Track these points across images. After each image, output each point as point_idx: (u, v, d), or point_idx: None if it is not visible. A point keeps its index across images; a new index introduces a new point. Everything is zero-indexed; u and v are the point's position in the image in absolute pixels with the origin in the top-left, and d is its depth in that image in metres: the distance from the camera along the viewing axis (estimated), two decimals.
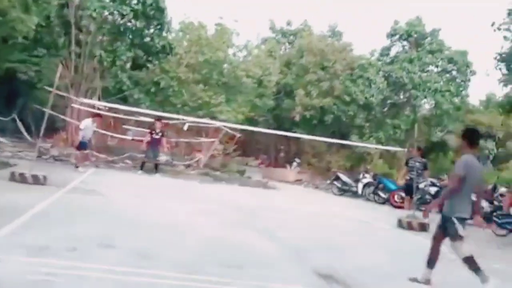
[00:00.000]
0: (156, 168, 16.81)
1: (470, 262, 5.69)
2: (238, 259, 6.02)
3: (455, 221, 5.74)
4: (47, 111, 11.65)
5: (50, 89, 14.61)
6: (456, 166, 5.89)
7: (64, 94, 19.24)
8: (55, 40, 19.42)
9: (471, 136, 6.00)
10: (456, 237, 5.76)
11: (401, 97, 27.95)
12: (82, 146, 14.79)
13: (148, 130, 17.61)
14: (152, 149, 16.81)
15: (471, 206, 5.88)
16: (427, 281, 5.89)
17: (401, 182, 16.64)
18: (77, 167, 14.49)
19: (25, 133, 18.56)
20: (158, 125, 17.03)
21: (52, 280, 4.20)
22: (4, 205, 7.29)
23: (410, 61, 26.66)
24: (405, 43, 28.39)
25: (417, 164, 13.63)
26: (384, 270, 6.53)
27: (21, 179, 10.10)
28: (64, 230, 6.18)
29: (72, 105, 19.40)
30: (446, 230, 5.93)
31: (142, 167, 16.84)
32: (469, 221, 12.92)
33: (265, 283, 5.07)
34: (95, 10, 18.38)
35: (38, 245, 5.27)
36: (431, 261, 5.95)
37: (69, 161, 16.59)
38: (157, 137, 16.81)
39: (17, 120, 18.35)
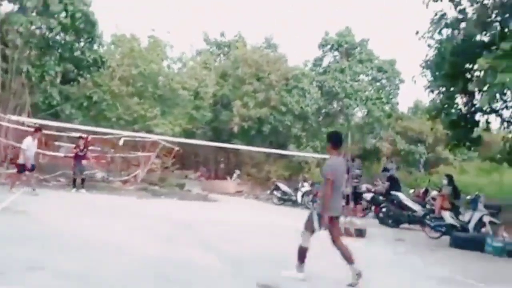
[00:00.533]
0: (82, 183, 16.49)
1: (301, 252, 6.21)
2: (178, 276, 5.90)
3: (316, 216, 6.11)
4: None
5: None
6: (326, 169, 6.19)
7: None
8: None
9: (334, 139, 6.39)
10: (310, 227, 6.21)
11: (335, 106, 28.75)
12: (31, 168, 14.06)
13: (73, 146, 17.52)
14: (78, 165, 16.62)
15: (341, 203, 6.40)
16: (359, 275, 6.03)
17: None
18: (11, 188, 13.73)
19: None
20: (81, 141, 16.88)
21: None
22: None
23: (342, 71, 27.49)
24: (336, 53, 29.27)
25: (357, 171, 13.88)
26: (326, 278, 6.60)
27: None
28: None
29: (0, 122, 18.48)
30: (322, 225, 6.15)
31: (74, 184, 16.42)
32: (405, 225, 13.13)
33: None
34: (21, 24, 17.63)
35: None
36: (347, 258, 6.13)
37: None
38: (81, 153, 16.70)
39: None
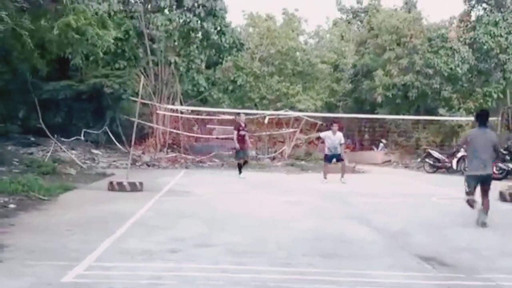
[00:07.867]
0: (242, 165, 14.98)
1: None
2: (335, 249, 5.91)
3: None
4: (136, 120, 12.09)
5: (135, 99, 15.29)
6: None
7: (148, 102, 20.00)
8: (135, 52, 20.22)
9: (480, 117, 7.95)
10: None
11: (489, 63, 26.20)
12: (327, 159, 14.74)
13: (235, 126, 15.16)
14: (242, 146, 14.72)
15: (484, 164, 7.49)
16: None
17: None
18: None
19: (117, 143, 19.47)
20: (242, 118, 15.15)
21: (162, 283, 4.35)
22: (108, 214, 7.68)
23: (495, 24, 24.87)
24: (484, 5, 26.57)
25: None
26: (492, 248, 6.15)
27: (119, 187, 10.59)
28: (164, 233, 6.40)
29: (157, 111, 20.12)
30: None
31: (240, 170, 14.82)
32: None
33: (367, 272, 4.94)
34: (161, 24, 19.02)
35: (143, 249, 5.49)
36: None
37: (160, 166, 17.34)
38: (243, 133, 14.67)
39: (108, 132, 19.30)
